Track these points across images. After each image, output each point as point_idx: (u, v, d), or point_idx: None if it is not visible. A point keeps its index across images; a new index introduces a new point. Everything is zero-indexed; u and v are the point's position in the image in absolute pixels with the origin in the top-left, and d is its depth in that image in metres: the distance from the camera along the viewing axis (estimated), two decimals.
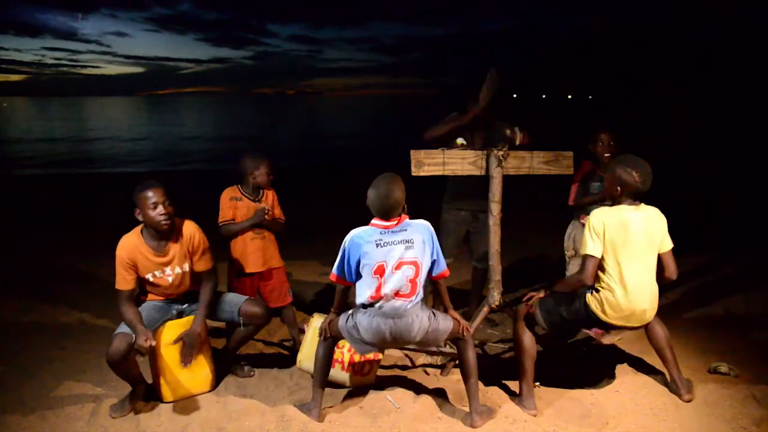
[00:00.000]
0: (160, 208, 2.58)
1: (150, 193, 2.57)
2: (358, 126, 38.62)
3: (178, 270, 2.77)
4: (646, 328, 2.78)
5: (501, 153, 2.93)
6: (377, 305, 2.36)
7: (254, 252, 3.23)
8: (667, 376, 2.78)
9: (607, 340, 3.51)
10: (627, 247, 2.50)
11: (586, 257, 2.54)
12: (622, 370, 2.97)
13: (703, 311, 3.91)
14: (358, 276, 2.40)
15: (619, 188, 2.54)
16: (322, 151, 19.42)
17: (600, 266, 2.55)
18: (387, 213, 2.35)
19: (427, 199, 3.45)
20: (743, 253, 5.28)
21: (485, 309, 3.08)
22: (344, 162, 14.25)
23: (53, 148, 19.78)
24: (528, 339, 2.71)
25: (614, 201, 2.60)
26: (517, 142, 3.17)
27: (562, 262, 3.75)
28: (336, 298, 2.58)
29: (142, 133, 29.31)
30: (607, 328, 2.70)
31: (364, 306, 2.41)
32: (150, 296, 2.84)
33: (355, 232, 2.38)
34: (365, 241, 2.33)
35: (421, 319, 2.40)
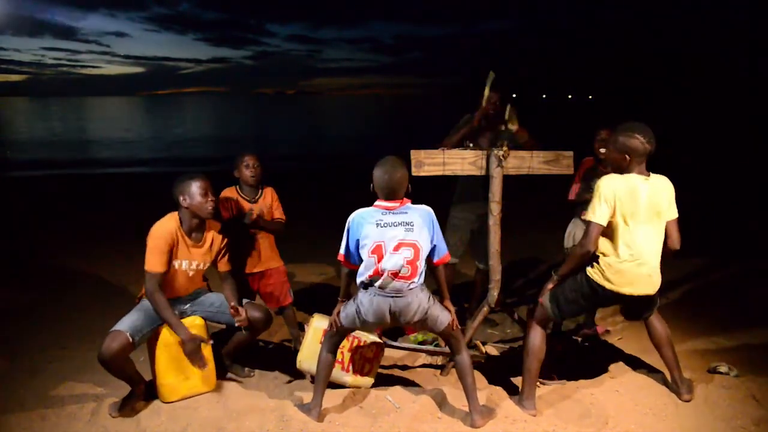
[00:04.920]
0: (210, 196, 2.71)
1: (201, 182, 2.70)
2: (359, 126, 38.63)
3: (200, 266, 2.83)
4: (648, 326, 2.77)
5: (501, 153, 2.93)
6: (377, 284, 2.37)
7: (252, 252, 3.23)
8: (667, 376, 2.78)
9: (607, 339, 3.52)
10: (635, 216, 2.47)
11: (590, 224, 2.49)
12: (622, 370, 2.97)
13: (703, 311, 3.91)
14: (360, 257, 2.42)
15: (627, 156, 2.49)
16: (323, 151, 19.42)
17: (604, 234, 2.52)
18: (391, 192, 2.37)
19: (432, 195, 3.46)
20: (742, 253, 5.28)
21: (485, 309, 3.09)
22: (345, 162, 14.25)
23: (53, 148, 19.77)
24: (538, 340, 2.67)
25: (623, 171, 2.54)
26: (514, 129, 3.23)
27: (562, 261, 3.74)
28: (342, 284, 2.57)
29: (142, 134, 29.29)
30: (613, 301, 2.62)
31: (364, 285, 2.43)
32: None
33: (357, 212, 2.42)
34: (366, 221, 2.36)
35: (420, 300, 2.41)
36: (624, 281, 2.50)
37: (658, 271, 2.56)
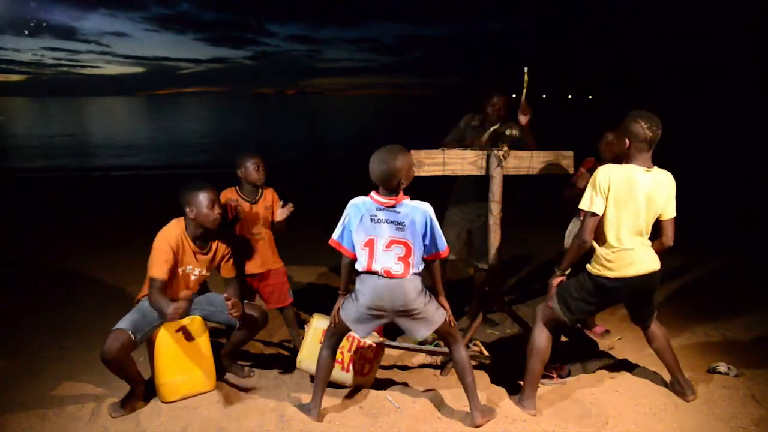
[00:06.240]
0: (216, 208, 2.72)
1: (208, 194, 2.71)
2: (359, 126, 38.64)
3: (204, 272, 2.85)
4: (645, 331, 2.76)
5: (501, 153, 2.93)
6: (374, 274, 2.38)
7: (252, 253, 3.23)
8: (670, 378, 2.77)
9: (607, 340, 3.52)
10: (630, 206, 2.45)
11: (586, 214, 2.48)
12: (622, 370, 2.97)
13: (702, 311, 3.91)
14: (353, 245, 2.42)
15: (627, 140, 2.48)
16: (323, 151, 19.43)
17: (599, 225, 2.51)
18: (383, 182, 2.36)
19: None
20: (740, 252, 5.28)
21: (484, 309, 3.09)
22: (344, 162, 14.25)
23: (53, 148, 19.77)
24: (544, 341, 2.66)
25: (625, 159, 2.52)
26: (524, 122, 3.19)
27: (561, 259, 3.74)
28: (342, 276, 2.55)
29: (142, 134, 29.30)
30: (620, 293, 2.58)
31: (361, 278, 2.43)
32: None
33: (356, 200, 2.42)
34: (361, 213, 2.37)
35: (416, 293, 2.39)
36: (624, 264, 2.49)
37: (653, 251, 2.56)
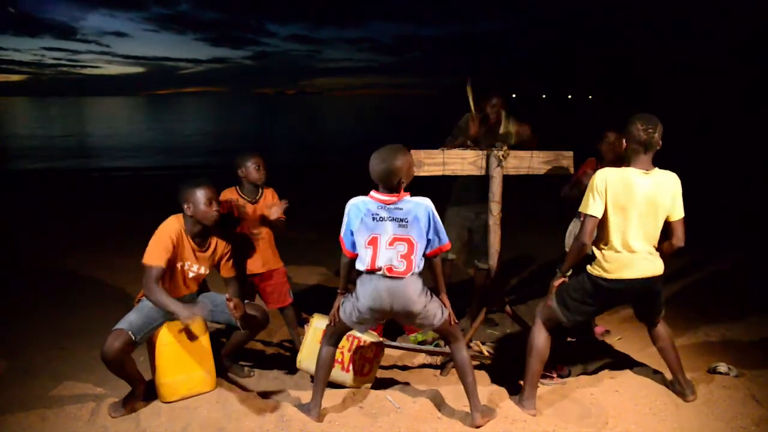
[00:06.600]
0: (214, 205, 2.71)
1: (206, 191, 2.70)
2: (358, 126, 38.64)
3: (202, 270, 2.84)
4: (651, 330, 2.76)
5: (501, 153, 2.93)
6: (375, 275, 2.37)
7: (253, 253, 3.23)
8: (671, 377, 2.77)
9: (607, 340, 3.52)
10: (630, 209, 2.45)
11: (585, 217, 2.50)
12: (622, 370, 2.97)
13: (702, 311, 3.91)
14: (355, 245, 2.42)
15: (624, 141, 2.52)
16: (322, 151, 19.43)
17: (601, 227, 2.51)
18: (383, 180, 2.36)
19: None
20: (740, 252, 5.28)
21: (485, 309, 3.09)
22: (345, 162, 14.25)
23: (52, 148, 19.77)
24: (542, 340, 2.66)
25: (624, 158, 2.54)
26: (513, 141, 3.21)
27: (562, 260, 3.74)
28: (341, 275, 2.55)
29: (143, 134, 29.30)
30: (619, 294, 2.58)
31: (362, 277, 2.43)
32: None
33: (355, 200, 2.42)
34: (362, 212, 2.37)
35: (417, 292, 2.39)
36: (621, 266, 2.49)
37: (657, 257, 2.55)
